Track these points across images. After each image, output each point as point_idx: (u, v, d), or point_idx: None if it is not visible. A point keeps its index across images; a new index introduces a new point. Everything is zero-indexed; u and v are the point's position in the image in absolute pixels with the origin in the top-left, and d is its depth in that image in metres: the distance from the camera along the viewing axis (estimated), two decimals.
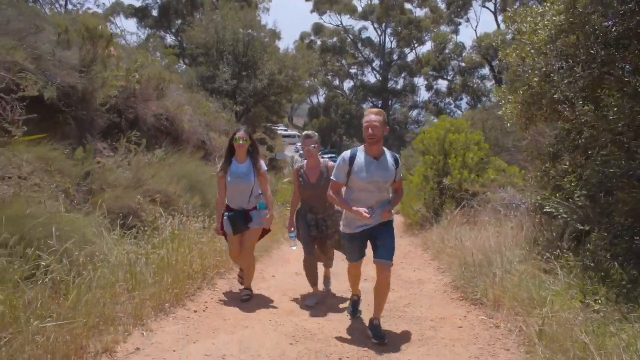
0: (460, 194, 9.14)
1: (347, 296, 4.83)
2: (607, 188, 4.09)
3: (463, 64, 37.12)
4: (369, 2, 40.21)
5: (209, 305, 4.60)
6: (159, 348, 3.45)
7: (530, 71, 5.08)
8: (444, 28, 36.76)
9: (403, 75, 42.60)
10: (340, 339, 3.87)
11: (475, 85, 36.87)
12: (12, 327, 2.79)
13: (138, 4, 37.55)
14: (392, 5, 36.81)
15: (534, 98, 5.26)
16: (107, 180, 5.79)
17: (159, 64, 11.78)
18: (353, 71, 45.47)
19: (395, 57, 43.11)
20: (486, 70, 36.17)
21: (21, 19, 6.42)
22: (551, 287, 3.81)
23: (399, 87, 42.93)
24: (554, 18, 4.56)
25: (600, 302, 3.27)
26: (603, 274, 3.61)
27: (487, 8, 37.26)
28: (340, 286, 5.40)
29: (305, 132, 5.13)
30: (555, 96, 4.70)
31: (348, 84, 46.74)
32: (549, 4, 4.67)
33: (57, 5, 28.13)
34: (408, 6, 38.75)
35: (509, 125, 5.80)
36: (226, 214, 4.86)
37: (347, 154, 4.00)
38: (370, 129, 3.80)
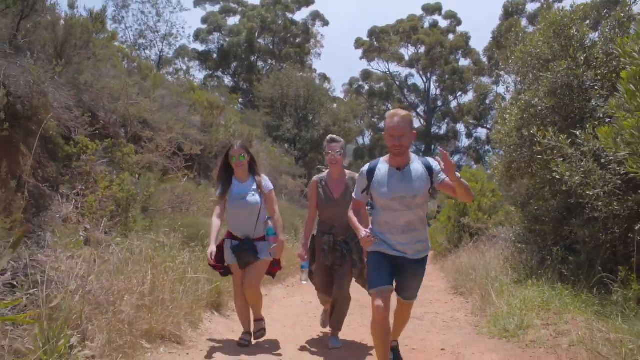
0: (475, 230, 11.87)
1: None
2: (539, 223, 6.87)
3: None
4: (416, 50, 43.49)
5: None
6: None
7: (505, 146, 7.96)
8: (486, 79, 39.65)
9: (446, 120, 45.36)
10: None
11: None
12: None
13: (201, 49, 41.71)
14: (437, 56, 39.97)
15: (510, 164, 8.10)
16: None
17: (241, 118, 15.16)
18: None
19: (439, 103, 45.92)
20: None
21: (169, 96, 9.85)
22: (503, 279, 6.59)
23: (441, 132, 45.58)
24: (515, 112, 7.46)
25: (521, 279, 6.02)
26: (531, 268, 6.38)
27: None
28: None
29: (330, 136, 4.49)
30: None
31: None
32: (509, 105, 7.53)
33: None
34: (452, 55, 41.85)
35: (495, 180, 8.64)
36: (228, 240, 4.28)
37: (366, 166, 3.48)
38: (395, 138, 3.23)
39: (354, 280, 4.42)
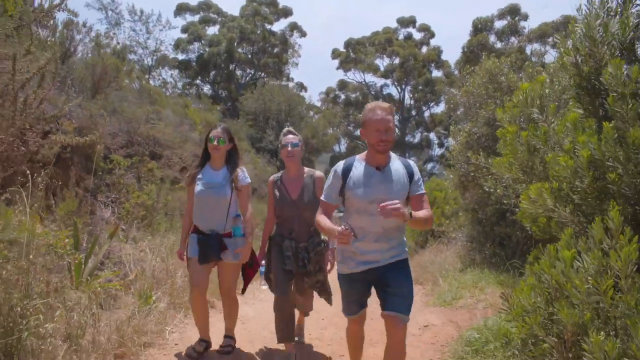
0: (438, 233, 13.76)
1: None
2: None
3: None
4: (391, 61, 45.63)
5: None
6: None
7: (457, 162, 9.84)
8: (455, 91, 42.00)
9: (419, 130, 47.62)
10: None
11: None
12: None
13: (180, 57, 43.00)
14: (410, 68, 42.19)
15: (461, 178, 9.98)
16: None
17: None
18: None
19: (413, 112, 48.12)
20: None
21: (172, 115, 11.48)
22: (451, 269, 8.42)
23: (415, 140, 47.80)
24: (463, 135, 9.32)
25: (464, 268, 7.86)
26: (472, 260, 8.23)
27: None
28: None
29: (287, 128, 4.16)
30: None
31: None
32: (457, 130, 9.39)
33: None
34: (425, 68, 44.14)
35: (447, 191, 10.50)
36: (193, 235, 3.94)
37: (340, 165, 3.16)
38: (382, 132, 2.93)
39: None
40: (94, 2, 34.83)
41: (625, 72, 3.53)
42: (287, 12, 43.99)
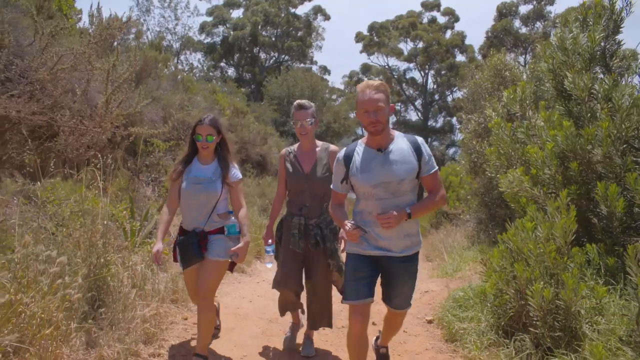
0: (452, 216, 14.57)
1: None
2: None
3: None
4: (414, 45, 45.90)
5: None
6: None
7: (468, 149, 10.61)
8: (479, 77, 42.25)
9: (442, 114, 47.95)
10: None
11: None
12: None
13: (206, 41, 43.97)
14: (434, 53, 42.49)
15: (470, 164, 10.76)
16: None
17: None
18: (397, 107, 50.92)
19: (436, 97, 48.40)
20: None
21: (203, 102, 12.45)
22: (458, 247, 9.26)
23: (438, 125, 48.16)
24: (472, 124, 10.08)
25: (469, 246, 8.71)
26: (477, 239, 9.07)
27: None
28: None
29: (298, 101, 3.89)
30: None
31: (392, 119, 52.14)
32: (467, 120, 10.15)
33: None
34: (449, 53, 44.36)
35: (461, 176, 11.29)
36: (178, 237, 3.64)
37: (342, 151, 3.09)
38: (371, 114, 2.80)
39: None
40: None
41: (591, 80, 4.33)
42: None
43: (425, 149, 2.96)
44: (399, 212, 2.79)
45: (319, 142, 3.91)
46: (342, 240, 3.76)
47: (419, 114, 48.96)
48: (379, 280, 3.12)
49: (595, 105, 4.38)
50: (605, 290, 3.43)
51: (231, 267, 3.68)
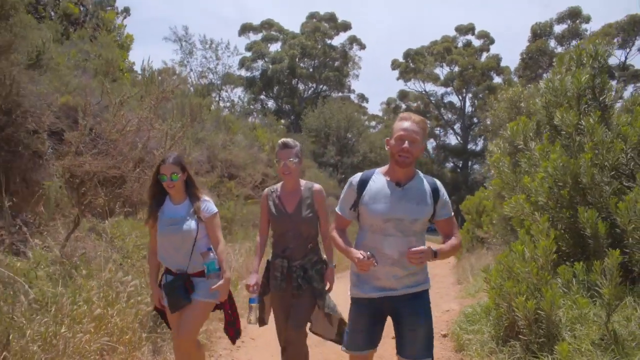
0: (485, 239, 15.00)
1: None
2: None
3: None
4: (450, 69, 46.45)
5: None
6: None
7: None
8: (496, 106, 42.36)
9: (482, 137, 47.96)
10: None
11: None
12: None
13: (246, 75, 45.85)
14: (469, 76, 42.93)
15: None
16: None
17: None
18: (436, 132, 51.24)
19: (475, 120, 48.55)
20: None
21: (243, 140, 13.49)
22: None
23: (478, 148, 48.17)
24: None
25: None
26: None
27: None
28: None
29: (282, 140, 3.75)
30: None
31: (431, 144, 52.45)
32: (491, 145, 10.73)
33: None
34: (484, 76, 44.68)
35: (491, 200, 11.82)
36: (164, 276, 3.50)
37: (356, 176, 2.95)
38: (405, 142, 2.70)
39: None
40: (171, 35, 39.29)
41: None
42: (346, 26, 45.86)
43: (443, 193, 2.89)
44: (427, 251, 2.63)
45: (302, 181, 3.72)
46: (327, 282, 3.62)
47: (459, 137, 49.18)
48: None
49: (583, 139, 5.03)
50: (586, 302, 4.05)
51: (233, 338, 3.62)
